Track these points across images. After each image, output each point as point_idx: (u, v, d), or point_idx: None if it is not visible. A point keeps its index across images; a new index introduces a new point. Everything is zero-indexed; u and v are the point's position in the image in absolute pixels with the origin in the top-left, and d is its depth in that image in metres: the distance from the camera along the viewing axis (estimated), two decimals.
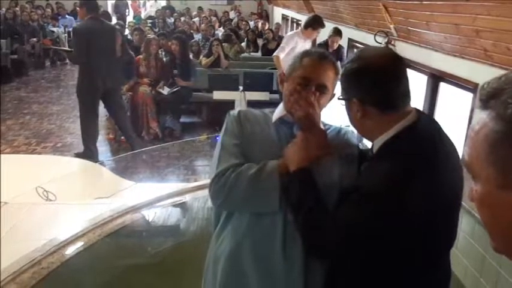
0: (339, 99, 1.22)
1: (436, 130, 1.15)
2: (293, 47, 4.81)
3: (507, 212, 0.48)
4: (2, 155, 4.49)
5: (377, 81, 1.10)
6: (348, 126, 1.31)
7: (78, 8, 4.93)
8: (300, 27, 4.98)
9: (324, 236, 1.11)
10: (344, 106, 1.21)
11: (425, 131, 1.12)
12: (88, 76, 4.41)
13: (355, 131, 1.29)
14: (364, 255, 1.10)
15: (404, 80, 1.13)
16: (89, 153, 4.47)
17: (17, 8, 10.56)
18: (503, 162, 0.48)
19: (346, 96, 1.18)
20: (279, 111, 1.35)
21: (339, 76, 1.24)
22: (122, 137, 5.42)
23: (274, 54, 4.93)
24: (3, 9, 9.94)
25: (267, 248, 1.21)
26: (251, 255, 1.22)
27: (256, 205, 1.22)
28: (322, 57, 1.27)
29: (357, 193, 1.08)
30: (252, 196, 1.20)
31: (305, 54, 1.30)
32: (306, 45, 4.81)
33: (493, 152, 0.49)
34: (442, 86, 3.90)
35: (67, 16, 11.72)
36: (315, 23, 4.88)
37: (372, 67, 1.12)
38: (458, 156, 1.17)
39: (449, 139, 1.17)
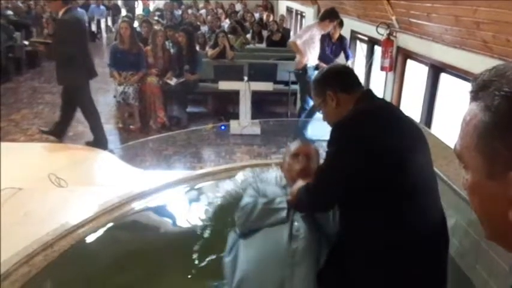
0: (315, 106, 1.73)
1: (385, 101, 1.61)
2: (311, 37, 4.87)
3: (495, 201, 0.48)
4: (16, 143, 4.53)
5: (339, 73, 1.61)
6: None
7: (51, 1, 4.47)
8: (316, 20, 5.01)
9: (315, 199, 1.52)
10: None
11: (376, 100, 1.55)
12: (79, 68, 4.28)
13: None
14: (348, 199, 1.39)
15: (354, 73, 1.65)
16: (100, 141, 4.49)
17: (31, 1, 10.55)
18: (491, 152, 0.48)
19: (322, 95, 1.57)
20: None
21: (313, 91, 1.65)
22: (131, 126, 5.45)
23: (291, 40, 4.96)
24: (19, 2, 9.93)
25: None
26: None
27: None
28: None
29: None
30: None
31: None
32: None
33: (481, 142, 0.49)
34: (443, 76, 3.86)
35: (78, 9, 11.67)
36: (332, 15, 4.90)
37: (333, 69, 1.69)
38: (410, 118, 1.55)
39: (399, 109, 1.64)
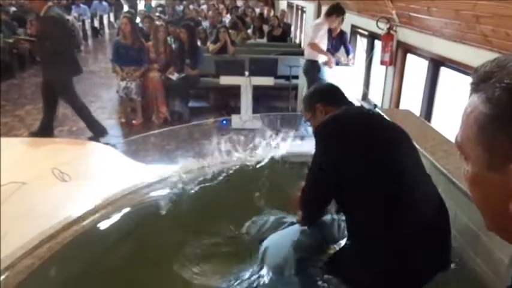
0: (305, 121, 1.80)
1: (366, 110, 1.79)
2: (324, 33, 4.89)
3: (496, 192, 0.48)
4: (21, 138, 4.52)
5: (327, 89, 1.82)
6: None
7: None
8: (321, 16, 4.98)
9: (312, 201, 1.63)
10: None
11: (355, 108, 1.72)
12: (65, 64, 4.29)
13: None
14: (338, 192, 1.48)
15: (340, 89, 1.80)
16: (99, 132, 4.50)
17: None
18: (491, 143, 0.47)
19: (312, 109, 1.72)
20: None
21: (303, 105, 1.82)
22: (134, 121, 5.44)
23: (310, 42, 4.93)
24: None
25: None
26: None
27: None
28: None
29: None
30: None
31: None
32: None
33: (481, 133, 0.48)
34: (443, 70, 3.83)
35: (81, 5, 11.65)
36: (339, 10, 4.92)
37: (322, 85, 1.94)
38: (393, 123, 1.68)
39: (381, 116, 1.76)
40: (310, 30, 5.08)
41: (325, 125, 1.53)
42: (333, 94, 1.74)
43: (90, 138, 4.49)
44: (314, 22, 5.04)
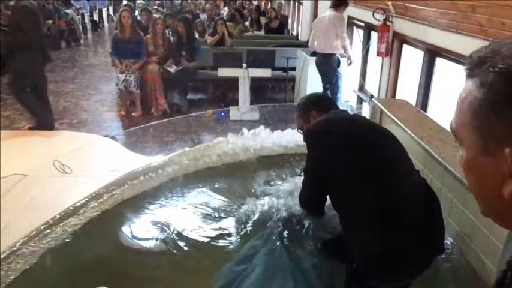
0: (298, 130, 1.89)
1: (346, 112, 1.89)
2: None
3: (490, 176, 0.48)
4: (22, 131, 4.49)
5: (320, 98, 1.99)
6: None
7: None
8: (330, 11, 4.89)
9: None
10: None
11: (340, 111, 1.81)
12: (34, 53, 4.14)
13: None
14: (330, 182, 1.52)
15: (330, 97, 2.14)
16: (46, 122, 4.39)
17: None
18: (485, 128, 0.47)
19: (306, 115, 1.81)
20: None
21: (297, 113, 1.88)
22: (133, 113, 5.40)
23: (342, 36, 4.86)
24: None
25: None
26: None
27: None
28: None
29: None
30: None
31: None
32: None
33: (476, 118, 0.48)
34: (439, 61, 3.80)
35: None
36: (345, 0, 4.83)
37: (315, 94, 2.04)
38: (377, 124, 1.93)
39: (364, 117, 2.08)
40: (328, 26, 4.79)
41: (312, 126, 1.68)
42: (325, 102, 1.88)
43: (30, 128, 4.37)
44: (333, 16, 4.87)
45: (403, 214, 1.40)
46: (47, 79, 4.65)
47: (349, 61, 5.12)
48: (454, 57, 3.39)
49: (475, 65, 0.49)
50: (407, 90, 4.29)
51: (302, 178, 1.74)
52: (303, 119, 1.83)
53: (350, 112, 2.20)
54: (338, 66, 4.94)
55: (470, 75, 0.50)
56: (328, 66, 4.92)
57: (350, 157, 1.49)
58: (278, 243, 1.72)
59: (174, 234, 1.99)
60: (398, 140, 1.64)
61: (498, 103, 0.45)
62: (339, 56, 4.94)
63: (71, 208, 2.11)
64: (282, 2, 10.81)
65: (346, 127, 1.64)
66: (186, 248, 1.92)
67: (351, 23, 6.07)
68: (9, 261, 1.74)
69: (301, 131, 1.84)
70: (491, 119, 0.46)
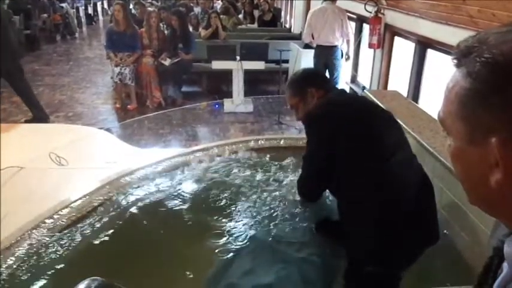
0: (291, 107, 1.71)
1: (347, 93, 1.81)
2: None
3: (477, 166, 0.47)
4: (18, 124, 4.43)
5: (316, 74, 1.80)
6: None
7: None
8: (329, 3, 4.86)
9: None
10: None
11: (340, 93, 1.68)
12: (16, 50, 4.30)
13: None
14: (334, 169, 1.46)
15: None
16: (42, 115, 4.47)
17: None
18: (472, 118, 0.47)
19: (302, 93, 1.64)
20: None
21: (291, 90, 1.70)
22: (129, 106, 5.36)
23: (349, 31, 4.89)
24: None
25: None
26: None
27: None
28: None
29: None
30: None
31: None
32: None
33: (462, 108, 0.48)
34: (430, 52, 3.79)
35: None
36: None
37: (310, 70, 1.98)
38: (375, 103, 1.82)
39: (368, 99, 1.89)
40: (332, 18, 4.79)
41: (319, 110, 1.53)
42: (322, 79, 1.74)
43: (27, 121, 4.46)
44: (337, 10, 4.84)
45: (404, 198, 1.39)
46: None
47: (347, 56, 5.09)
48: (445, 48, 3.39)
49: (462, 55, 0.48)
50: (399, 82, 4.29)
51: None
52: (299, 97, 1.64)
53: None
54: (342, 57, 4.93)
55: (457, 65, 0.49)
56: (333, 58, 4.90)
57: (354, 141, 1.43)
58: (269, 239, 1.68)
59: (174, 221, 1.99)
60: (397, 120, 1.62)
61: (484, 93, 0.45)
62: (342, 49, 4.94)
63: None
64: None
65: (353, 111, 1.52)
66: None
67: None
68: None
69: (295, 110, 1.69)
70: (477, 108, 0.46)
